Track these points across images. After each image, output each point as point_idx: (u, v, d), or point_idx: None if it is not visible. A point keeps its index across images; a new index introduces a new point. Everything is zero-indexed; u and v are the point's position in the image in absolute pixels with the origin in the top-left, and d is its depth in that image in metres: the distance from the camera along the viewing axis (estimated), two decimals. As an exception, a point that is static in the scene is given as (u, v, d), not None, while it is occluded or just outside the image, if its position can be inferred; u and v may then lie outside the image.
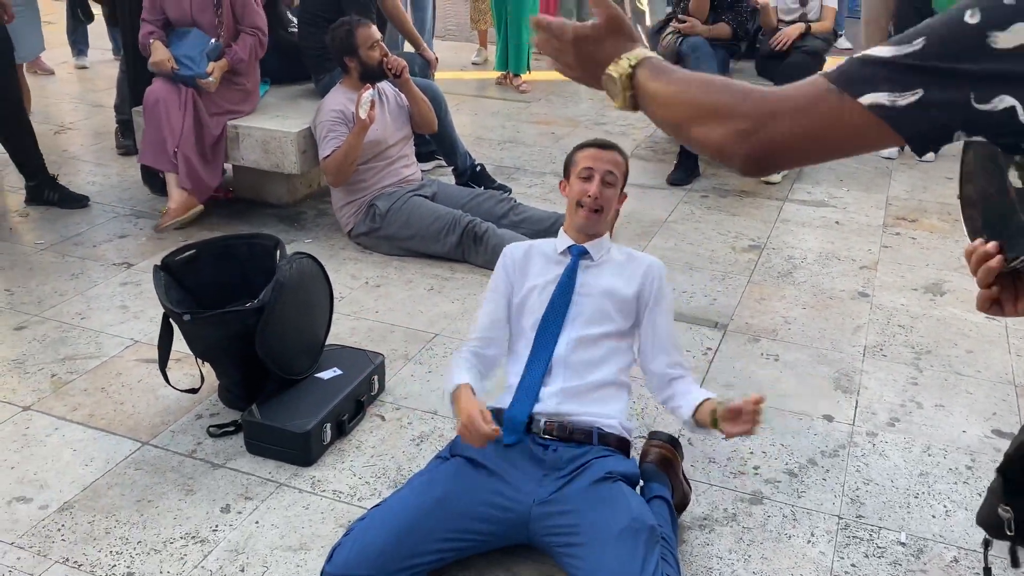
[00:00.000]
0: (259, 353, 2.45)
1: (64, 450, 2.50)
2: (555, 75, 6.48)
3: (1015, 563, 0.92)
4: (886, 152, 5.01)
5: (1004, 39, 0.90)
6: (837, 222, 4.14)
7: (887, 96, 0.94)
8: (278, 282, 2.46)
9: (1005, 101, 0.90)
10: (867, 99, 0.95)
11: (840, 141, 0.99)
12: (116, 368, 2.89)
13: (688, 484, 2.24)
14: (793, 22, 4.66)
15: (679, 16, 4.69)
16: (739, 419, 1.88)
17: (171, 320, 2.55)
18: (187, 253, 2.62)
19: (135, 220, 4.04)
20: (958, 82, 0.90)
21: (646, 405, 2.71)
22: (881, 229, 4.06)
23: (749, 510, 2.30)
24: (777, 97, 1.01)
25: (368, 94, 3.59)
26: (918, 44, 0.94)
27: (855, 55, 1.00)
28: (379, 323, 3.20)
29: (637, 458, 2.22)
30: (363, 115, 3.57)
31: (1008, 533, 0.89)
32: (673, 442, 2.22)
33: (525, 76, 6.31)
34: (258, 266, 2.60)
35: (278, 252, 2.59)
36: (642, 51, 1.13)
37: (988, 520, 0.93)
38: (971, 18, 0.91)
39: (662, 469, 2.15)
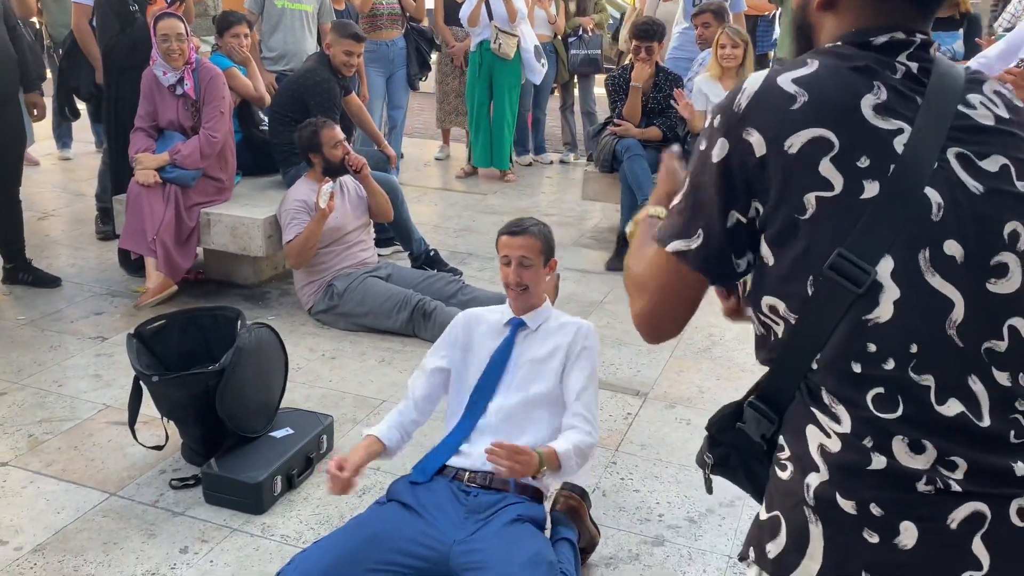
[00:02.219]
0: (219, 412, 2.73)
1: (38, 500, 2.73)
2: (525, 168, 6.98)
3: (709, 490, 1.35)
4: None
5: (715, 152, 1.12)
6: (757, 304, 4.50)
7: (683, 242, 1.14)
8: (238, 348, 2.75)
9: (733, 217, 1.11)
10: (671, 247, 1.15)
11: (679, 291, 1.17)
12: (88, 429, 3.15)
13: (596, 528, 2.52)
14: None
15: (615, 120, 5.15)
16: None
17: (140, 382, 2.83)
18: (157, 323, 2.92)
19: (110, 299, 4.33)
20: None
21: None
22: (796, 310, 4.43)
23: (651, 551, 2.58)
24: (642, 270, 1.21)
25: (327, 187, 3.96)
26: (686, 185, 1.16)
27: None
28: (332, 390, 3.48)
29: (548, 505, 2.51)
30: (323, 204, 3.93)
31: (707, 469, 1.28)
32: (581, 492, 2.50)
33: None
34: (221, 335, 2.90)
35: (239, 322, 2.89)
36: (650, 209, 1.34)
37: (698, 461, 1.36)
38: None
39: (569, 516, 2.43)
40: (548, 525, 2.40)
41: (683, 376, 3.69)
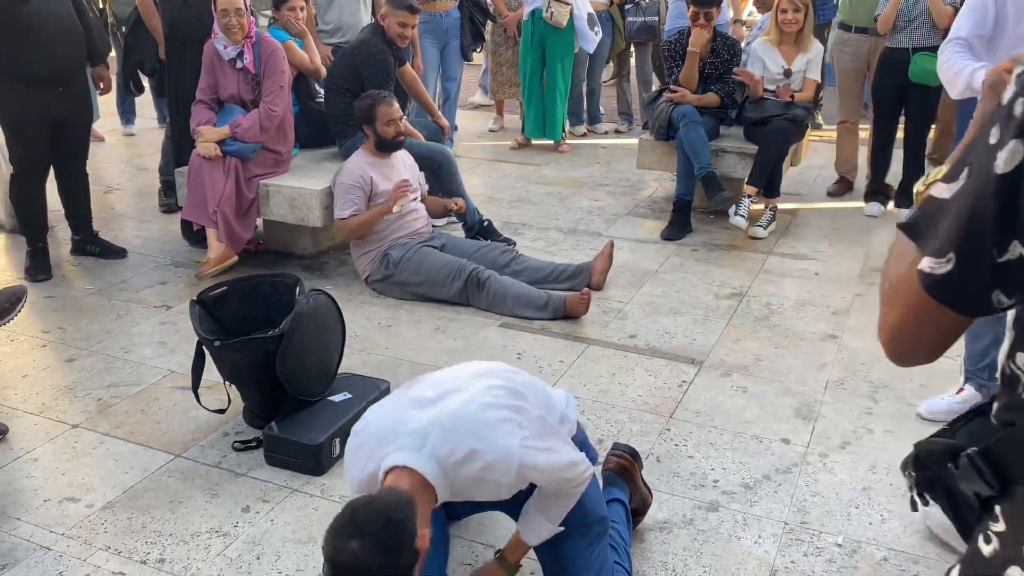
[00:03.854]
0: (279, 375, 2.78)
1: (108, 460, 2.83)
2: (581, 139, 6.94)
3: (914, 507, 1.14)
4: (869, 210, 5.32)
5: (1003, 159, 0.83)
6: (816, 273, 4.43)
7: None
8: (297, 313, 2.81)
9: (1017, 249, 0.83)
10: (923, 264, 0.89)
11: (928, 312, 0.92)
12: (154, 394, 3.24)
13: (648, 490, 2.52)
14: (776, 91, 5.02)
15: (671, 87, 5.08)
16: None
17: (203, 347, 2.90)
18: (219, 290, 2.99)
19: (174, 269, 4.44)
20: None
21: (603, 436, 3.00)
22: (857, 279, 4.35)
23: (705, 516, 2.57)
24: (896, 276, 0.95)
25: (403, 202, 4.07)
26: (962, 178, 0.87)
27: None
28: (388, 357, 3.53)
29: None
30: (395, 209, 4.01)
31: (911, 486, 1.10)
32: (632, 452, 2.50)
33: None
34: (280, 301, 2.95)
35: (298, 289, 2.94)
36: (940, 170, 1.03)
37: (902, 467, 1.10)
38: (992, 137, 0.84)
39: (620, 475, 2.43)
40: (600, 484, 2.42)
41: (740, 345, 3.65)
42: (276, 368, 2.78)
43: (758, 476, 2.76)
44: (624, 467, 2.44)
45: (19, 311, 2.97)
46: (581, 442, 2.12)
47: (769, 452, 2.89)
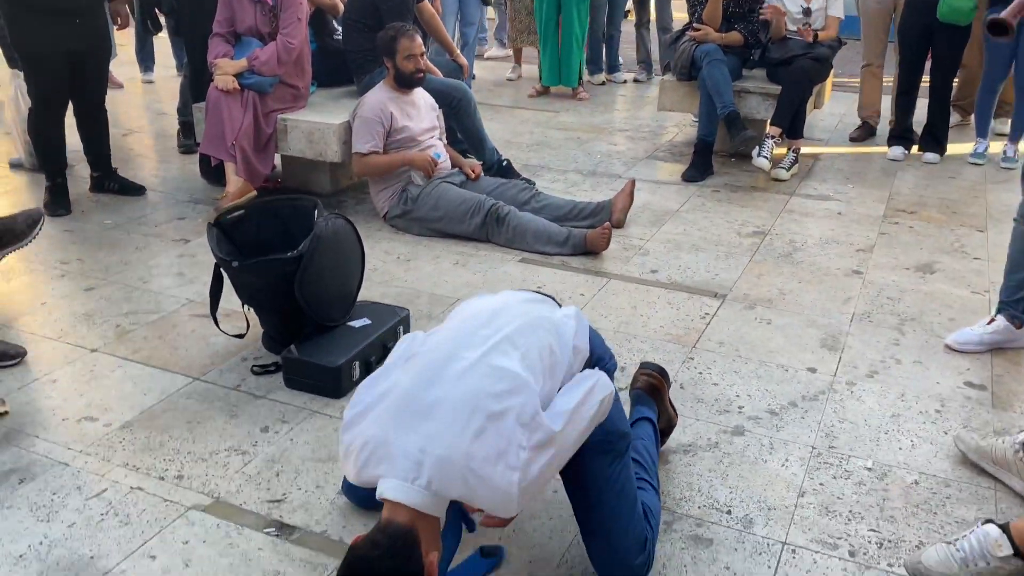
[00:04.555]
0: (297, 298, 2.70)
1: (126, 383, 2.77)
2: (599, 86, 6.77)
3: None
4: (893, 154, 5.16)
5: None
6: (839, 213, 4.30)
7: None
8: (315, 235, 2.72)
9: None
10: None
11: None
12: (173, 321, 3.18)
13: (674, 410, 2.43)
14: (798, 31, 4.85)
15: (694, 25, 4.92)
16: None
17: (221, 269, 2.82)
18: (237, 213, 2.90)
19: (193, 205, 4.36)
20: None
21: (626, 364, 2.91)
22: (881, 219, 4.22)
23: (730, 440, 2.48)
24: None
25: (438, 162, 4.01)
26: None
27: None
28: (408, 289, 3.44)
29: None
30: (418, 181, 3.96)
31: None
32: (661, 372, 2.40)
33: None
34: (299, 225, 2.85)
35: (316, 211, 2.85)
36: None
37: None
38: None
39: (649, 395, 2.34)
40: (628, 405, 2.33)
41: (763, 279, 3.54)
42: (295, 291, 2.70)
43: (784, 403, 2.67)
44: (653, 385, 2.34)
45: (36, 234, 2.89)
46: (598, 357, 1.98)
47: (795, 380, 2.79)
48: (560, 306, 2.01)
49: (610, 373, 2.00)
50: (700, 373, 2.83)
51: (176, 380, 2.78)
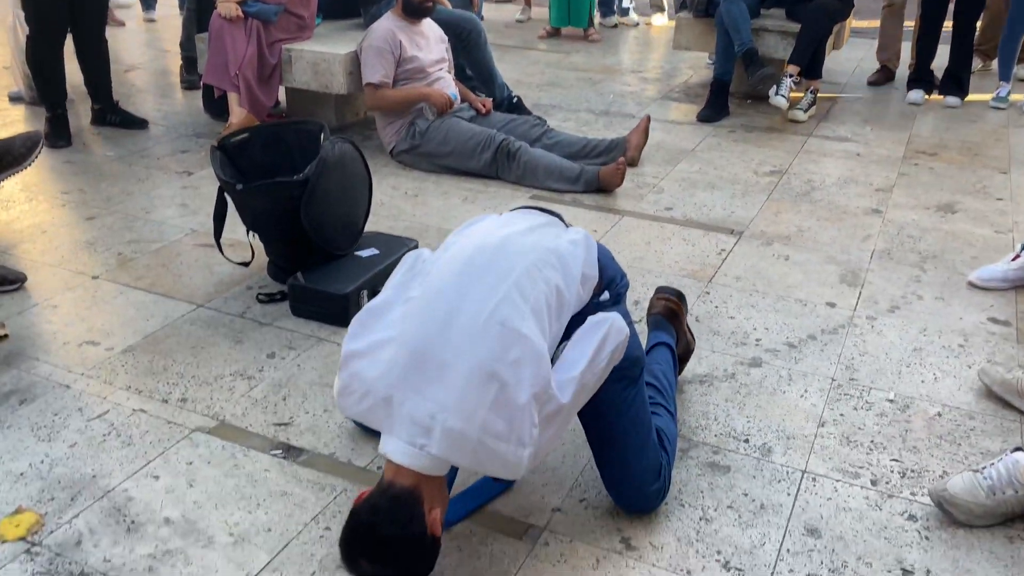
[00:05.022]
0: (303, 224, 2.63)
1: (128, 309, 2.71)
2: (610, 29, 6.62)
3: None
4: (912, 97, 5.04)
5: None
6: (858, 154, 4.20)
7: None
8: (321, 159, 2.63)
9: None
10: None
11: None
12: (176, 250, 3.11)
13: (692, 335, 2.37)
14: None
15: (712, -41, 4.77)
16: None
17: (225, 193, 2.75)
18: (241, 136, 2.82)
19: (196, 139, 4.27)
20: None
21: (640, 299, 2.84)
22: (900, 160, 4.12)
23: (747, 371, 2.42)
24: None
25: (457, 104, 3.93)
26: None
27: None
28: (416, 223, 3.37)
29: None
30: (429, 116, 3.84)
31: None
32: (678, 295, 2.33)
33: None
34: (304, 150, 2.77)
35: (322, 135, 2.76)
36: None
37: None
38: None
39: (667, 319, 2.27)
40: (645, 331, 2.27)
41: (781, 217, 3.46)
42: (301, 216, 2.62)
43: (803, 336, 2.60)
44: (671, 310, 2.27)
45: (35, 157, 2.82)
46: (609, 279, 1.87)
47: (814, 314, 2.73)
48: (567, 225, 1.91)
49: (621, 294, 1.90)
50: (716, 307, 2.77)
51: (179, 307, 2.72)
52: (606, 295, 1.85)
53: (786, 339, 2.58)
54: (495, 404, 1.50)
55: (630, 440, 1.82)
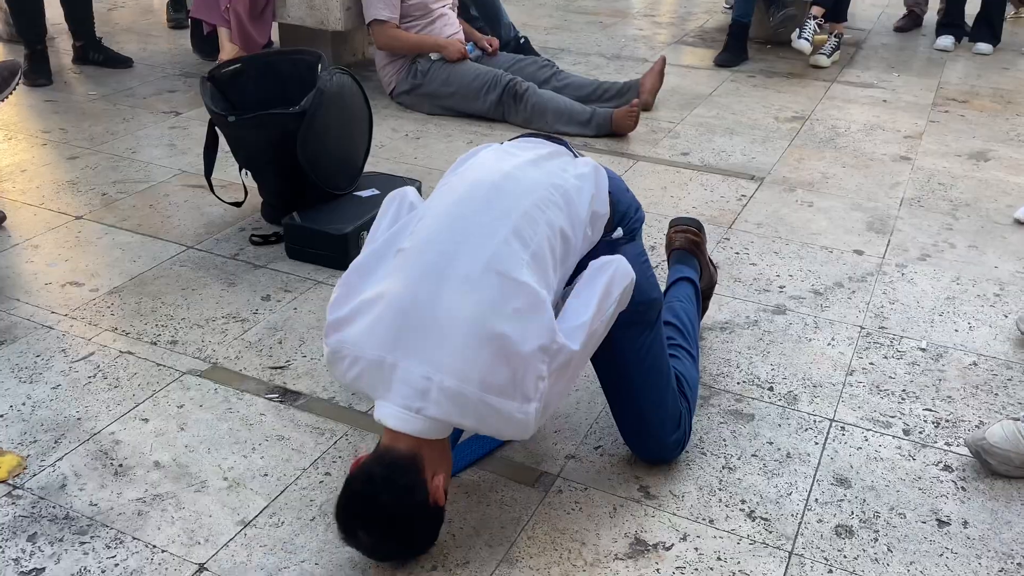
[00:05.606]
0: (300, 159, 2.56)
1: (114, 250, 2.65)
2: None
3: None
4: (941, 43, 4.94)
5: None
6: (884, 100, 4.12)
7: None
8: (319, 90, 2.56)
9: None
10: None
11: None
12: (164, 191, 3.05)
13: (715, 267, 2.30)
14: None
15: None
16: None
17: (216, 128, 2.68)
18: (233, 67, 2.74)
19: (183, 79, 4.18)
20: None
21: (655, 244, 2.78)
22: (929, 107, 4.04)
23: (771, 318, 2.37)
24: None
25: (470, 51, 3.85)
26: None
27: None
28: (418, 166, 3.30)
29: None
30: (464, 50, 3.76)
31: None
32: (697, 225, 2.25)
33: None
34: (300, 83, 2.69)
35: (320, 66, 2.69)
36: None
37: None
38: None
39: (688, 252, 2.21)
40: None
41: (804, 163, 3.39)
42: (297, 151, 2.56)
43: (829, 283, 2.55)
44: (692, 241, 2.20)
45: (14, 87, 2.75)
46: (622, 213, 1.74)
47: (840, 262, 2.67)
48: (575, 155, 1.82)
49: (636, 229, 1.81)
50: (737, 253, 2.71)
51: (168, 248, 2.66)
52: (619, 231, 1.76)
53: (811, 286, 2.53)
54: (495, 359, 1.43)
55: (647, 389, 1.77)
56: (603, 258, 1.63)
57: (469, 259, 1.49)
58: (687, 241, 2.21)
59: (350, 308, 1.52)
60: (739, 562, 1.61)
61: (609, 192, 1.74)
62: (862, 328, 2.34)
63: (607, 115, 3.61)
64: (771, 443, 1.91)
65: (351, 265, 1.61)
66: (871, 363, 2.19)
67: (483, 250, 1.50)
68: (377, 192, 2.78)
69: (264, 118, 2.54)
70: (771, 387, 2.09)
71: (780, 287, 2.53)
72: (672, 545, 1.64)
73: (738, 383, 2.11)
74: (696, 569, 1.59)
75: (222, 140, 2.72)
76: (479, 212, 1.57)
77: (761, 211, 2.99)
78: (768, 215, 2.96)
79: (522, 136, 1.84)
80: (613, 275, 1.60)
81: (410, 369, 1.45)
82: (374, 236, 1.69)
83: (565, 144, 1.81)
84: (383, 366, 1.47)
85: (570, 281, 1.65)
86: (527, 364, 1.44)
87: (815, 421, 1.98)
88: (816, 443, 1.92)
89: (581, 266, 1.66)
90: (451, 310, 1.46)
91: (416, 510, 1.49)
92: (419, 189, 2.87)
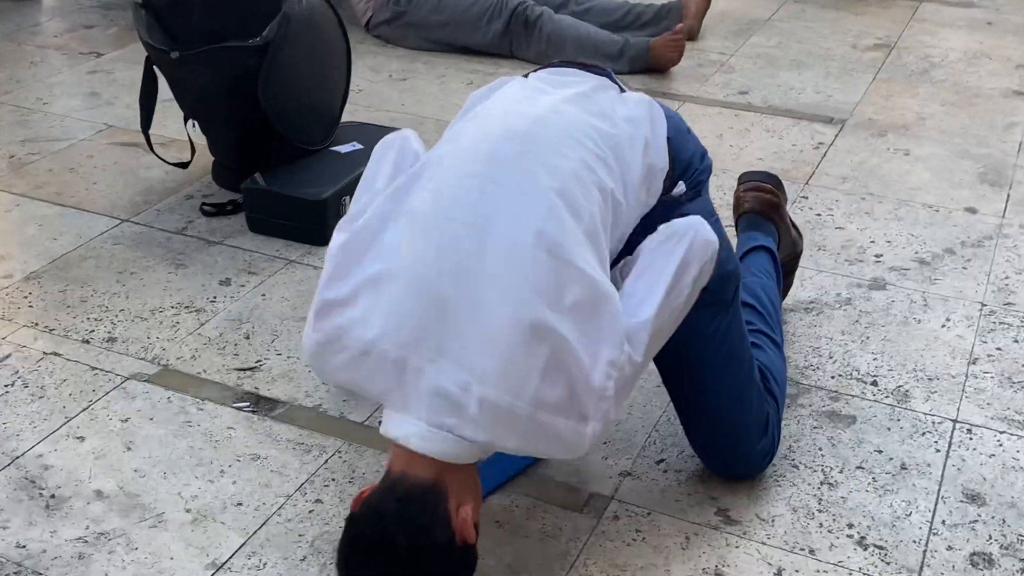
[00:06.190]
0: (263, 105, 2.52)
1: (27, 225, 2.61)
2: None
3: None
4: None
5: None
6: (988, 23, 4.10)
7: None
8: (285, 16, 2.51)
9: None
10: None
11: None
12: (86, 151, 3.00)
13: (798, 231, 2.26)
14: None
15: None
16: None
17: (155, 67, 2.63)
18: (174, -10, 2.68)
19: (104, 12, 4.14)
20: None
21: (717, 207, 2.75)
22: (1046, 30, 4.02)
23: (868, 296, 2.34)
24: None
25: None
26: None
27: None
28: (406, 114, 3.26)
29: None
30: None
31: None
32: (774, 181, 2.21)
33: None
34: (259, 7, 2.63)
35: (285, -13, 2.63)
36: None
37: None
38: None
39: (763, 215, 2.16)
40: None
41: (893, 102, 3.36)
42: (259, 95, 2.51)
43: (937, 250, 2.52)
44: (769, 202, 2.16)
45: None
46: (685, 163, 1.70)
47: (950, 223, 2.64)
48: (622, 89, 1.74)
49: (702, 182, 1.76)
50: (819, 215, 2.68)
51: (97, 222, 2.62)
52: (681, 187, 1.70)
53: (915, 254, 2.50)
54: (550, 368, 1.36)
55: (725, 386, 1.72)
56: (675, 224, 1.56)
57: (509, 231, 1.42)
58: (761, 202, 2.16)
59: (351, 286, 1.45)
60: (851, 602, 1.58)
61: (667, 137, 1.69)
62: (983, 305, 2.30)
63: (643, 45, 3.57)
64: (880, 452, 1.88)
65: (344, 222, 1.54)
66: (998, 349, 2.16)
67: (525, 221, 1.43)
68: (359, 147, 2.73)
69: (216, 53, 2.49)
70: (874, 381, 2.06)
71: (876, 256, 2.49)
72: (764, 583, 1.61)
73: (832, 377, 2.07)
74: (797, 612, 1.56)
75: (162, 84, 2.67)
76: (514, 168, 1.49)
77: (845, 162, 2.96)
78: (854, 166, 2.93)
79: (551, 66, 1.78)
80: (690, 247, 1.53)
81: (442, 376, 1.37)
82: (369, 190, 1.63)
83: (608, 74, 1.75)
84: (405, 369, 1.39)
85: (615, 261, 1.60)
86: (588, 379, 1.39)
87: (934, 423, 1.95)
88: (937, 450, 1.88)
89: (628, 244, 1.61)
90: (491, 301, 1.38)
91: (442, 549, 1.41)
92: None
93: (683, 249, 1.53)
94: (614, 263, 1.59)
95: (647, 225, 1.61)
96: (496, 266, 1.40)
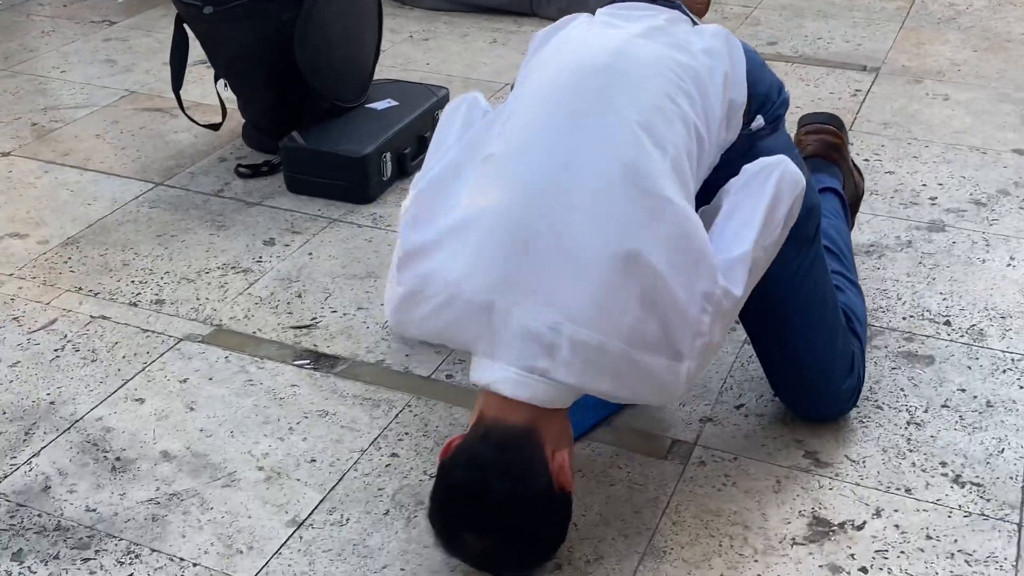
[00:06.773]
0: (298, 62, 2.44)
1: (59, 191, 2.53)
2: None
3: None
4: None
5: None
6: (1009, -30, 4.03)
7: None
8: (320, -31, 2.43)
9: None
10: None
11: None
12: (111, 116, 2.91)
13: (859, 172, 2.20)
14: None
15: None
16: None
17: (185, 25, 2.54)
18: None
19: (112, -19, 4.03)
20: None
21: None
22: (1068, -24, 3.95)
23: (928, 237, 2.28)
24: None
25: None
26: None
27: None
28: (433, 72, 3.18)
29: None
30: None
31: None
32: (836, 122, 2.15)
33: None
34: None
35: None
36: None
37: None
38: None
39: (827, 157, 2.10)
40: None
41: (924, 48, 3.29)
42: (295, 53, 2.43)
43: (991, 191, 2.46)
44: (831, 144, 2.09)
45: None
46: (763, 97, 1.66)
47: (1000, 164, 2.58)
48: (694, 21, 1.69)
49: (780, 116, 1.69)
50: (867, 160, 2.61)
51: (130, 186, 2.54)
52: (759, 120, 1.65)
53: (970, 196, 2.44)
54: (643, 304, 1.31)
55: (810, 325, 1.66)
56: (763, 161, 1.51)
57: (595, 167, 1.36)
58: (824, 145, 2.10)
59: (433, 233, 1.38)
60: (955, 540, 1.52)
61: (746, 70, 1.63)
62: (1047, 244, 2.25)
63: (667, -1, 3.49)
64: (963, 390, 1.82)
65: (418, 179, 1.49)
66: (1068, 285, 2.11)
67: (612, 155, 1.37)
68: (395, 103, 2.65)
69: (251, 7, 2.41)
70: (947, 321, 2.00)
71: (931, 199, 2.43)
72: (864, 523, 1.55)
73: (904, 319, 2.01)
74: (903, 552, 1.50)
75: (194, 43, 2.58)
76: (594, 103, 1.43)
77: (885, 107, 2.90)
78: (895, 112, 2.87)
79: (619, 0, 1.71)
80: (780, 182, 1.47)
81: (530, 316, 1.31)
82: (440, 147, 1.58)
83: (679, 6, 1.68)
84: (492, 312, 1.33)
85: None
86: (684, 314, 1.33)
87: (1013, 360, 1.89)
88: (1021, 387, 1.82)
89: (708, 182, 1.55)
90: (580, 236, 1.32)
91: (540, 497, 1.36)
92: (447, 97, 2.74)
93: (773, 185, 1.48)
94: (697, 206, 1.53)
95: (728, 160, 1.56)
96: (584, 200, 1.34)
